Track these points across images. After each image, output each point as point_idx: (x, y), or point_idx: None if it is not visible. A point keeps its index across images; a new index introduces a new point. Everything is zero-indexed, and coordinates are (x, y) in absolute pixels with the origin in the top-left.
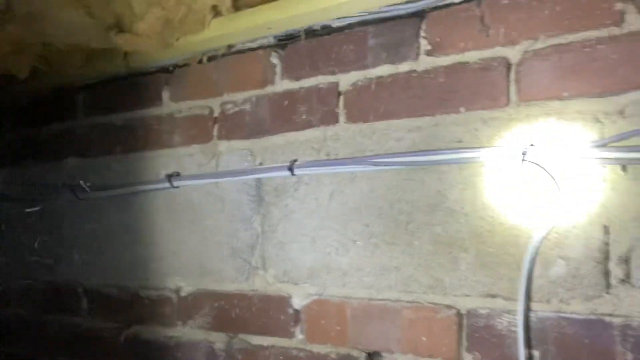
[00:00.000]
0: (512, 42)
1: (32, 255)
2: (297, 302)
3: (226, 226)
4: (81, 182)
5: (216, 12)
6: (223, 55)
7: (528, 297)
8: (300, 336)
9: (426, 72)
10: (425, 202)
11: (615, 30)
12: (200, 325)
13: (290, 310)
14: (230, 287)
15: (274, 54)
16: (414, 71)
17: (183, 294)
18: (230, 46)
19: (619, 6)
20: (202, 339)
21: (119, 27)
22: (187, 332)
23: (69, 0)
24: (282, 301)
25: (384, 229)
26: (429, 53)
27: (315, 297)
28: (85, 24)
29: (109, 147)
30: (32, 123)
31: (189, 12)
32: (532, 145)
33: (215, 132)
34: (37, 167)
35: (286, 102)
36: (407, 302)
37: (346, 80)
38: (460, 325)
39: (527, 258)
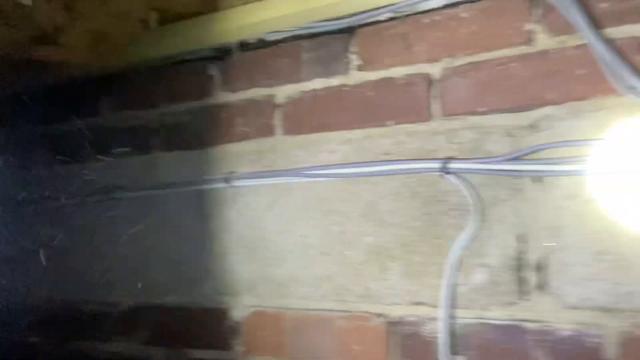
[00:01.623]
0: (434, 59)
1: None
2: (236, 315)
3: (167, 238)
4: None
5: (145, 25)
6: (160, 66)
7: (451, 304)
8: (239, 348)
9: (356, 86)
10: (357, 213)
11: (525, 50)
12: (141, 339)
13: (229, 323)
14: (171, 300)
15: (211, 65)
16: (345, 85)
17: (123, 307)
18: (166, 57)
19: (528, 27)
20: (143, 354)
21: (44, 40)
22: (128, 346)
23: None
24: (221, 314)
25: (318, 239)
26: (359, 68)
27: (254, 309)
28: (6, 36)
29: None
30: None
31: (118, 25)
32: (451, 158)
33: (154, 143)
34: None
35: (224, 114)
36: (340, 311)
37: (282, 93)
38: (389, 333)
39: (449, 266)
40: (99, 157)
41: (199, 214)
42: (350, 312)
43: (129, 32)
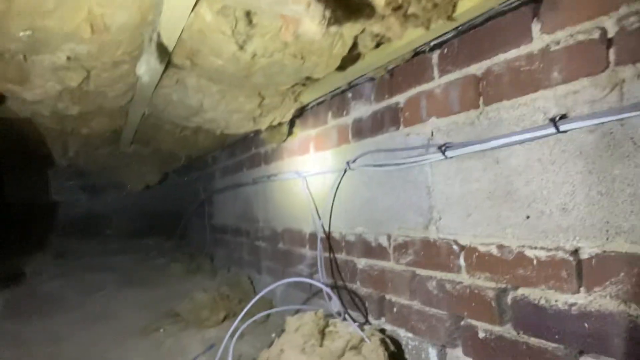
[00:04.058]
0: None
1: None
2: None
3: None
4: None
5: None
6: None
7: None
8: None
9: None
10: None
11: None
12: (613, 294)
13: None
14: None
15: None
16: None
17: (584, 256)
18: None
19: None
20: (619, 311)
21: None
22: (595, 300)
23: None
24: None
25: None
26: None
27: None
28: None
29: (470, 102)
30: (389, 92)
31: None
32: None
33: (612, 57)
34: (397, 131)
35: None
36: None
37: None
38: None
39: None
40: None
41: None
42: None
43: None
